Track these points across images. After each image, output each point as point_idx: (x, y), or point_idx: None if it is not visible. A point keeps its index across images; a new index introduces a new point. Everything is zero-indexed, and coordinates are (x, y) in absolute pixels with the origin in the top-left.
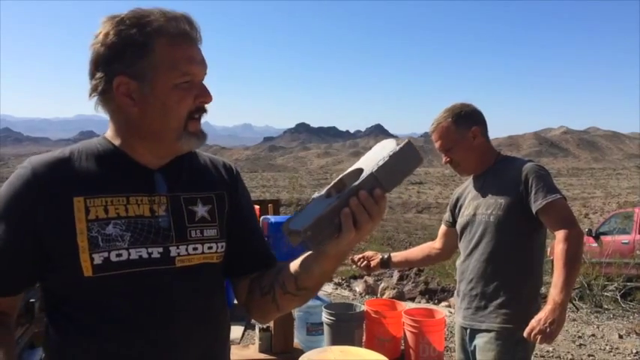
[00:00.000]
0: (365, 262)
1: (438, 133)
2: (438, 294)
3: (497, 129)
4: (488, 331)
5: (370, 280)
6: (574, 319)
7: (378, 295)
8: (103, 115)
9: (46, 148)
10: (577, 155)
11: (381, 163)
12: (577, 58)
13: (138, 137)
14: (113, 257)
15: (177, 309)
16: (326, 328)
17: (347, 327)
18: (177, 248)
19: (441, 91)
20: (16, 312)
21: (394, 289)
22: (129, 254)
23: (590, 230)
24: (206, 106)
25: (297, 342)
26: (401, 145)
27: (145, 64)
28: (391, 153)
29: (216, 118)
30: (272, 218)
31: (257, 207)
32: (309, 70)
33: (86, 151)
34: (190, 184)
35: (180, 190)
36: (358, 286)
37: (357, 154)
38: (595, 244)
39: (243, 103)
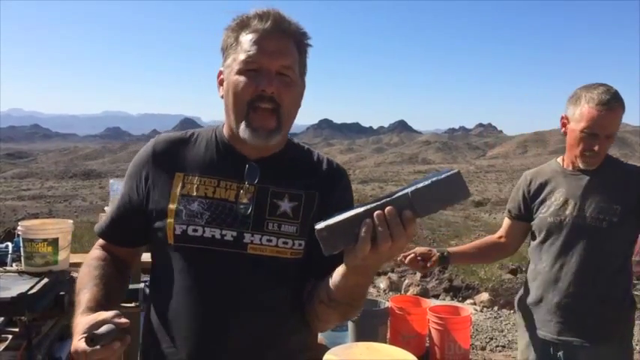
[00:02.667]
0: (419, 260)
1: (610, 117)
2: (462, 291)
3: (523, 124)
4: (590, 346)
5: (394, 276)
6: None
7: (402, 292)
8: (129, 111)
9: (73, 143)
10: None
11: (420, 185)
12: (606, 50)
13: (227, 124)
14: (190, 231)
15: (238, 292)
16: (350, 325)
17: (371, 323)
18: (252, 236)
19: (465, 86)
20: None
21: (418, 285)
22: (203, 231)
23: None
24: (277, 99)
25: (321, 338)
26: (448, 174)
27: (230, 54)
28: (434, 179)
29: None
30: None
31: None
32: (333, 66)
33: (202, 136)
34: (284, 178)
35: (272, 183)
36: (382, 283)
37: (381, 151)
38: None
39: None
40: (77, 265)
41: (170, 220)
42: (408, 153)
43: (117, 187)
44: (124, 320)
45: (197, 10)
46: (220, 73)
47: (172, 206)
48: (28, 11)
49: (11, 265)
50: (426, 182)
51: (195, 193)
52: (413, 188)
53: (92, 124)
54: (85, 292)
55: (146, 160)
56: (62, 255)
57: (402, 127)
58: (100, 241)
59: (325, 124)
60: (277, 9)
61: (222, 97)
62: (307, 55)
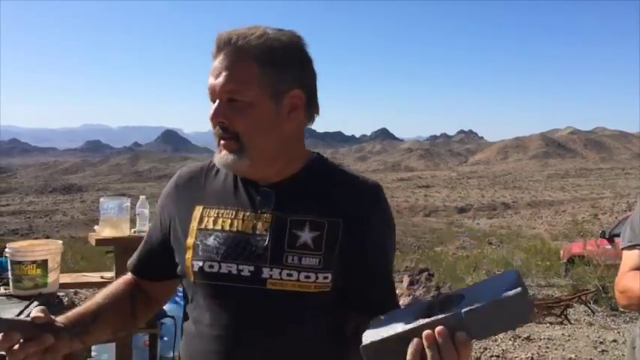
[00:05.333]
0: None
1: None
2: None
3: (504, 131)
4: None
5: None
6: (591, 324)
7: None
8: (109, 124)
9: (53, 158)
10: (585, 156)
11: (477, 305)
12: (583, 57)
13: None
14: (206, 267)
15: (261, 330)
16: None
17: None
18: (271, 270)
19: (447, 93)
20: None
21: (408, 295)
22: (219, 267)
23: (603, 232)
24: (230, 128)
25: None
26: (510, 294)
27: None
28: (495, 299)
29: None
30: None
31: None
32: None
33: (214, 164)
34: (303, 204)
35: (290, 210)
36: None
37: (364, 159)
38: (609, 246)
39: None
40: (67, 286)
41: (188, 256)
42: (390, 161)
43: (107, 206)
44: (37, 314)
45: (176, 22)
46: None
47: (190, 241)
48: (2, 26)
49: None
50: (485, 302)
51: (212, 227)
52: (467, 309)
53: (71, 138)
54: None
55: (168, 194)
56: (52, 277)
57: (384, 135)
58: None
59: (307, 134)
60: (238, 29)
61: None
62: (282, 64)
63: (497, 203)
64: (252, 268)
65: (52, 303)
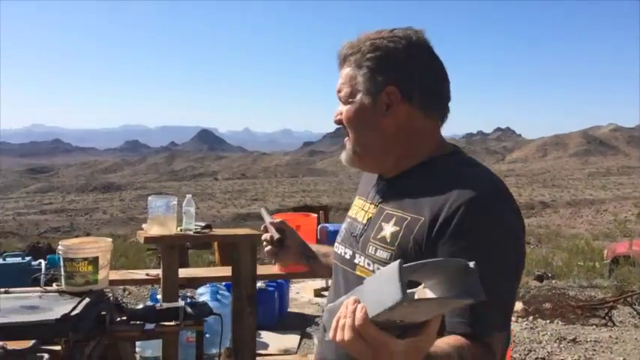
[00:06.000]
0: None
1: None
2: None
3: (542, 128)
4: None
5: None
6: (637, 326)
7: None
8: (147, 124)
9: (93, 157)
10: (627, 153)
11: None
12: (625, 52)
13: None
14: (334, 248)
15: None
16: None
17: None
18: (360, 257)
19: (482, 90)
20: None
21: None
22: (338, 248)
23: None
24: (343, 123)
25: None
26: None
27: None
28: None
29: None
30: (330, 226)
31: (310, 214)
32: None
33: None
34: (401, 200)
35: (391, 203)
36: None
37: None
38: None
39: (282, 109)
40: (114, 283)
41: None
42: None
43: (155, 204)
44: (276, 222)
45: (212, 23)
46: None
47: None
48: (47, 30)
49: (44, 284)
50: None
51: (350, 213)
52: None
53: (111, 138)
54: None
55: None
56: (102, 274)
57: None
58: None
59: (342, 132)
60: (360, 34)
61: None
62: (377, 64)
63: (536, 202)
64: (350, 253)
65: (102, 300)
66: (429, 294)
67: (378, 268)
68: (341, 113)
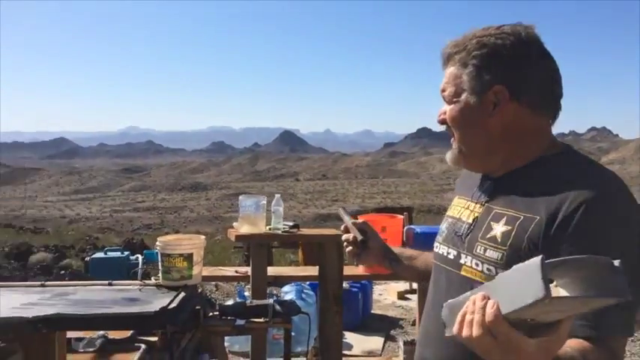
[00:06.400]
0: None
1: None
2: None
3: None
4: None
5: None
6: None
7: None
8: (232, 125)
9: (182, 158)
10: None
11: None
12: None
13: None
14: (435, 248)
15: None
16: None
17: None
18: (467, 257)
19: (575, 88)
20: None
21: None
22: (439, 248)
23: None
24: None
25: None
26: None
27: None
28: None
29: (337, 125)
30: (417, 228)
31: (396, 215)
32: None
33: None
34: (512, 199)
35: (500, 202)
36: None
37: None
38: None
39: (363, 110)
40: (205, 278)
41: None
42: None
43: (245, 204)
44: (358, 222)
45: (294, 25)
46: None
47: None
48: (140, 36)
49: (140, 278)
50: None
51: (450, 213)
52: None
53: (199, 139)
54: None
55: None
56: (196, 270)
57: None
58: None
59: (424, 133)
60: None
61: None
62: (483, 63)
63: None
64: (455, 253)
65: (196, 295)
66: (562, 292)
67: (488, 269)
68: (445, 113)
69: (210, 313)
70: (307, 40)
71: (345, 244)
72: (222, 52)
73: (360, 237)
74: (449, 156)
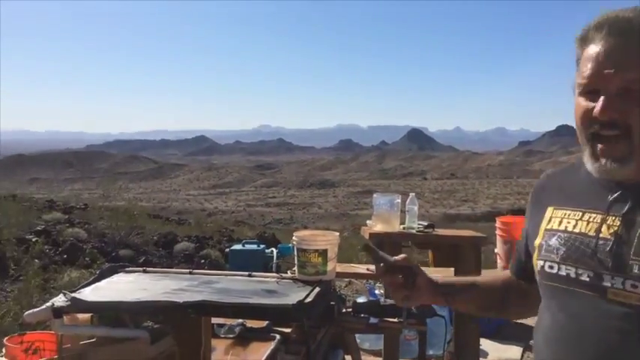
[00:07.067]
0: None
1: None
2: None
3: None
4: None
5: None
6: None
7: None
8: (359, 123)
9: (311, 155)
10: None
11: None
12: None
13: None
14: (547, 267)
15: (597, 344)
16: None
17: None
18: (613, 279)
19: None
20: (534, 302)
21: None
22: (559, 268)
23: None
24: (621, 123)
25: None
26: None
27: (576, 71)
28: None
29: (468, 122)
30: None
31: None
32: (570, 68)
33: (578, 163)
34: None
35: None
36: None
37: None
38: None
39: (495, 107)
40: (338, 275)
41: (535, 256)
42: None
43: (379, 202)
44: (398, 258)
45: (418, 24)
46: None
47: (538, 241)
48: (283, 39)
49: (273, 270)
50: None
51: (556, 227)
52: None
53: (327, 137)
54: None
55: (530, 197)
56: (330, 265)
57: None
58: None
59: (564, 130)
60: (618, 12)
61: None
62: None
63: None
64: (591, 274)
65: (330, 290)
66: None
67: None
68: (618, 108)
69: (344, 310)
70: (434, 36)
71: (387, 285)
72: (348, 51)
73: (408, 279)
74: (606, 168)
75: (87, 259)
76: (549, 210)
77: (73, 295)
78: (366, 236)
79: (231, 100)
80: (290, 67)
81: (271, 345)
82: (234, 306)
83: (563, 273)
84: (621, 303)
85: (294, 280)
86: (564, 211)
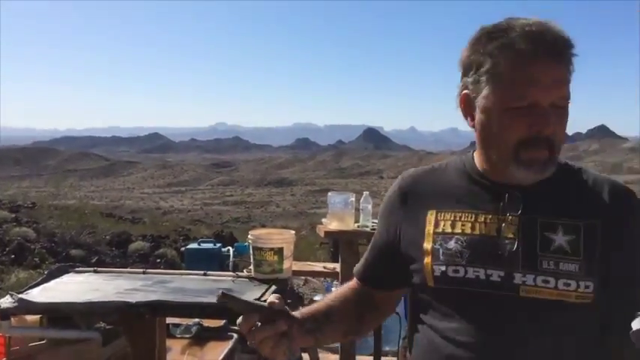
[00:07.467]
0: None
1: None
2: None
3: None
4: None
5: None
6: None
7: None
8: (316, 122)
9: (268, 154)
10: None
11: None
12: None
13: (482, 155)
14: (450, 272)
15: (513, 341)
16: None
17: None
18: (524, 276)
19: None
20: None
21: None
22: (465, 272)
23: None
24: (552, 137)
25: None
26: None
27: (485, 82)
28: None
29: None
30: None
31: None
32: None
33: (453, 166)
34: (554, 207)
35: (539, 212)
36: None
37: (577, 159)
38: None
39: (449, 108)
40: (295, 273)
41: (427, 261)
42: (610, 162)
43: (334, 200)
44: (273, 300)
45: (378, 24)
46: (465, 98)
47: (428, 246)
48: (228, 33)
49: (230, 269)
50: None
51: (449, 230)
52: None
53: (284, 136)
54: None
55: (394, 199)
56: (286, 264)
57: (602, 132)
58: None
59: None
60: (545, 20)
61: (472, 127)
62: (572, 68)
63: None
64: (502, 274)
65: (286, 289)
66: None
67: (566, 283)
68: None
69: (301, 308)
70: (388, 36)
71: (256, 341)
72: (306, 49)
73: (283, 327)
74: (535, 177)
75: (36, 259)
76: (431, 213)
77: (21, 296)
78: (322, 234)
79: (186, 97)
80: (246, 64)
81: (229, 344)
82: (190, 305)
83: (471, 276)
84: (534, 299)
85: (251, 278)
86: (453, 214)
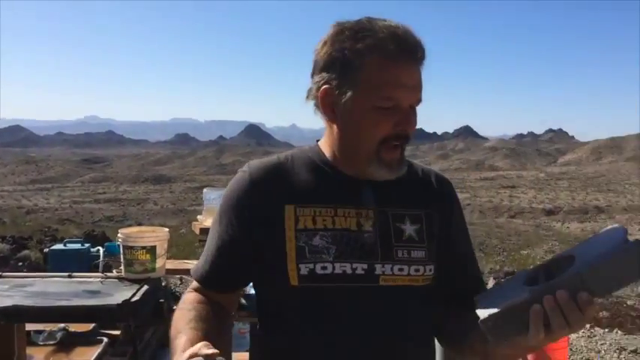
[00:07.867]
0: None
1: None
2: None
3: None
4: None
5: None
6: None
7: None
8: (197, 117)
9: (145, 149)
10: None
11: (595, 262)
12: None
13: (340, 150)
14: (318, 269)
15: (373, 328)
16: None
17: None
18: (383, 267)
19: (533, 90)
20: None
21: None
22: (333, 268)
23: None
24: (409, 135)
25: None
26: (628, 245)
27: (351, 80)
28: (613, 252)
29: (303, 120)
30: None
31: None
32: None
33: (299, 159)
34: (400, 199)
35: (389, 205)
36: None
37: (445, 157)
38: None
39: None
40: (170, 272)
41: (292, 259)
42: (473, 159)
43: (209, 197)
44: (212, 351)
45: (256, 19)
46: (326, 92)
47: (291, 243)
48: (101, 22)
49: (102, 271)
50: (603, 257)
51: (311, 226)
52: (586, 266)
53: (162, 131)
54: (181, 337)
55: (243, 194)
56: (159, 262)
57: (467, 132)
58: (195, 284)
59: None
60: (408, 26)
61: (329, 121)
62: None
63: (590, 207)
64: (365, 266)
65: (160, 288)
66: None
67: (416, 269)
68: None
69: (174, 307)
70: (271, 34)
71: None
72: (185, 42)
73: None
74: (400, 170)
75: None
76: (289, 208)
77: None
78: (197, 231)
79: (53, 87)
80: (120, 53)
81: (98, 349)
82: (50, 309)
83: (339, 271)
84: (390, 286)
85: (120, 279)
86: (312, 209)
